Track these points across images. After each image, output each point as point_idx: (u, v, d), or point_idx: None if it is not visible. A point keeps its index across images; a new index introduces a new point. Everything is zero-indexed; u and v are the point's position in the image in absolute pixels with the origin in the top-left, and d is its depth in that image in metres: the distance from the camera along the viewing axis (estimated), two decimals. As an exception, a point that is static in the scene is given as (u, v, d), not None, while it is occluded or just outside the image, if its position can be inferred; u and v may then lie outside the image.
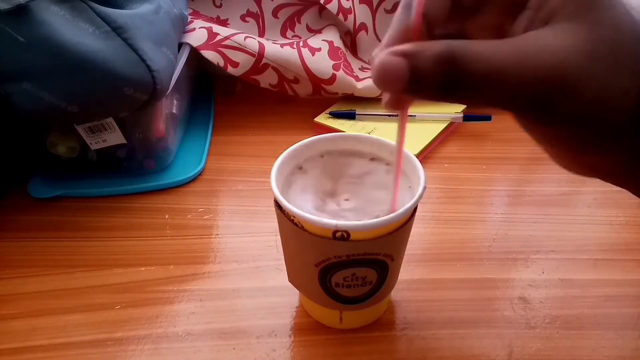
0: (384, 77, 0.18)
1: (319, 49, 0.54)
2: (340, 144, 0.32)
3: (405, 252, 0.31)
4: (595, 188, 0.45)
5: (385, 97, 0.22)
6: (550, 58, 0.17)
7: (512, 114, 0.20)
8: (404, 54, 0.18)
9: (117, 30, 0.36)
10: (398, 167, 0.25)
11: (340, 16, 0.57)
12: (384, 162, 0.31)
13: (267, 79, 0.54)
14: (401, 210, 0.25)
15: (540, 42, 0.18)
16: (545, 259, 0.38)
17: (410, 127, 0.51)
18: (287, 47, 0.53)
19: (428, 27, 0.21)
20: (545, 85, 0.17)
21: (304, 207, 0.27)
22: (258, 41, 0.52)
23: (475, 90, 0.18)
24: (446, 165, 0.50)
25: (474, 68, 0.17)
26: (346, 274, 0.27)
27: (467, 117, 0.53)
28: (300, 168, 0.31)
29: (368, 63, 0.60)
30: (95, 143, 0.42)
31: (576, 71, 0.17)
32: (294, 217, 0.26)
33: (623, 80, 0.18)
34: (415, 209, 0.28)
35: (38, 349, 0.31)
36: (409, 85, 0.18)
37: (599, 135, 0.19)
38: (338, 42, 0.57)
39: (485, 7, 0.21)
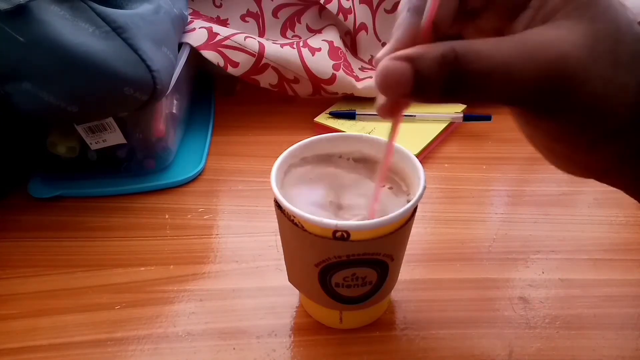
0: (388, 82, 0.18)
1: (319, 49, 0.54)
2: (340, 144, 0.32)
3: (405, 252, 0.31)
4: (595, 188, 0.45)
5: (380, 103, 0.22)
6: (552, 51, 0.18)
7: (513, 111, 0.20)
8: (407, 59, 0.18)
9: (117, 30, 0.36)
10: (383, 170, 0.25)
11: (340, 16, 0.57)
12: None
13: (267, 79, 0.54)
14: (401, 210, 0.25)
15: (542, 37, 0.18)
16: (545, 259, 0.38)
17: (410, 127, 0.51)
18: (287, 47, 0.53)
19: (433, 32, 0.21)
20: (548, 78, 0.18)
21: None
22: (258, 41, 0.52)
23: (479, 88, 0.18)
24: (446, 165, 0.50)
25: (477, 66, 0.18)
26: (346, 274, 0.27)
27: (467, 117, 0.53)
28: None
29: (368, 63, 0.60)
30: (95, 143, 0.42)
31: (578, 64, 0.18)
32: (294, 217, 0.26)
33: (622, 75, 0.18)
34: (415, 209, 0.28)
35: (38, 349, 0.31)
36: (413, 89, 0.18)
37: (599, 128, 0.19)
38: (338, 42, 0.57)
39: (485, 11, 0.21)
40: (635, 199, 0.23)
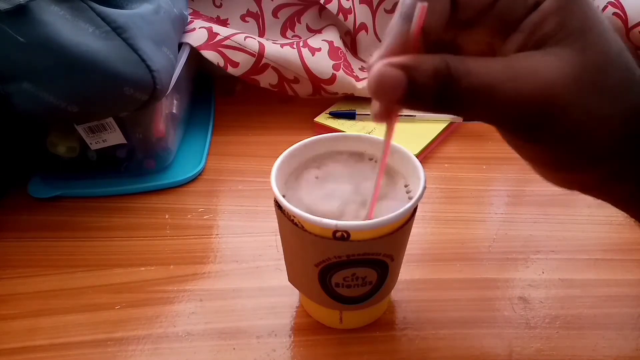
0: (381, 87, 0.19)
1: (319, 49, 0.54)
2: (340, 144, 0.32)
3: (405, 252, 0.31)
4: (595, 188, 0.45)
5: (374, 109, 0.22)
6: (540, 80, 0.18)
7: (499, 130, 0.21)
8: (402, 67, 0.18)
9: (117, 30, 0.36)
10: (381, 171, 0.25)
11: (340, 16, 0.57)
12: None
13: (267, 79, 0.54)
14: (401, 210, 0.25)
15: (532, 64, 0.19)
16: (545, 259, 0.38)
17: (410, 127, 0.51)
18: (287, 47, 0.53)
19: (424, 37, 0.21)
20: (531, 105, 0.18)
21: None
22: (258, 41, 0.52)
23: (466, 104, 0.19)
24: (446, 165, 0.50)
25: (466, 83, 0.18)
26: (346, 274, 0.27)
27: (467, 117, 0.53)
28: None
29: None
30: (95, 143, 0.42)
31: (564, 94, 0.18)
32: (294, 217, 0.26)
33: (605, 106, 0.19)
34: (415, 209, 0.28)
35: (38, 349, 0.31)
36: (406, 97, 0.19)
37: (582, 154, 0.20)
38: (338, 42, 0.57)
39: (479, 23, 0.21)
40: (625, 212, 0.24)
